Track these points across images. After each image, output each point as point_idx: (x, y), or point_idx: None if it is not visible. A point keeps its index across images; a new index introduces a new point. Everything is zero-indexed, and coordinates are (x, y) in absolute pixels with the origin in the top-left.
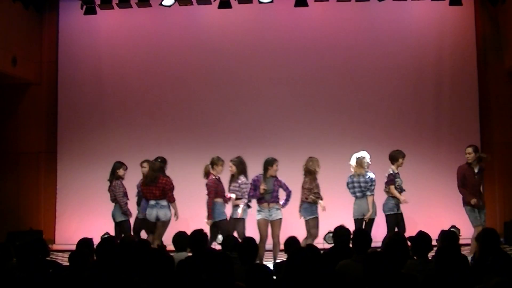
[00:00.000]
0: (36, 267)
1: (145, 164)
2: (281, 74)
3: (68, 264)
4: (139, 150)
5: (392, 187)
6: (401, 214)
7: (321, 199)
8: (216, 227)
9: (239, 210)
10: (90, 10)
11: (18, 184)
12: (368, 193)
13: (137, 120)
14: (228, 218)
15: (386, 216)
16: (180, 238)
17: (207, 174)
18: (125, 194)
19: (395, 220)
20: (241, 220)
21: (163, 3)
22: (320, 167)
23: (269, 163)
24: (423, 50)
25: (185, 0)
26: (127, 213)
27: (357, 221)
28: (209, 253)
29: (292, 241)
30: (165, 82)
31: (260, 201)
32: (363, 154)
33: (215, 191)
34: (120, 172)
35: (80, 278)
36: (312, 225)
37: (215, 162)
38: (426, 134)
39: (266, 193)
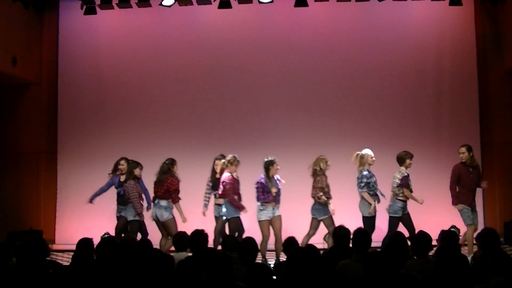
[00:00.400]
0: (36, 267)
1: (122, 162)
2: (281, 74)
3: (68, 264)
4: (139, 150)
5: (406, 190)
6: (407, 215)
7: (331, 198)
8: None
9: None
10: (90, 10)
11: (18, 184)
12: (359, 189)
13: (137, 119)
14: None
15: (390, 217)
16: (180, 238)
17: (221, 172)
18: (140, 195)
19: (398, 223)
20: (221, 218)
21: (163, 3)
22: (329, 166)
23: (270, 163)
24: (423, 50)
25: (185, 0)
26: (140, 214)
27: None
28: (209, 253)
29: (291, 242)
30: (165, 82)
31: (267, 202)
32: (364, 151)
33: (233, 188)
34: (137, 171)
35: (80, 278)
36: (329, 224)
37: (231, 162)
38: (426, 134)
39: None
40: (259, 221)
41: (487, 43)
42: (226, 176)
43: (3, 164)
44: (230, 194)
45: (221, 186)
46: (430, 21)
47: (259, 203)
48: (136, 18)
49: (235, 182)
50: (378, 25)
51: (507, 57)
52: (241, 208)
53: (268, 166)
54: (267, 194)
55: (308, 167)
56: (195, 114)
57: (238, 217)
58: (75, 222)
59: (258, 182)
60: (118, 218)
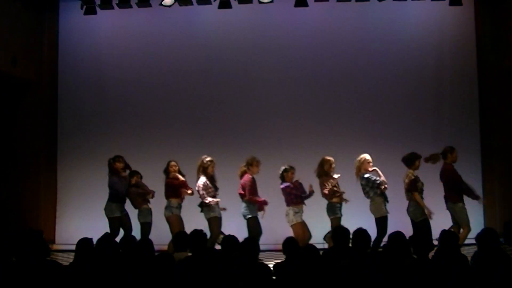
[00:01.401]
0: (36, 267)
1: (121, 160)
2: (281, 74)
3: (68, 264)
4: (139, 150)
5: (416, 193)
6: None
7: (344, 192)
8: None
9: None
10: (90, 10)
11: (18, 184)
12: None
13: (137, 119)
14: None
15: (418, 223)
16: (180, 238)
17: (242, 174)
18: (144, 199)
19: (429, 225)
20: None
21: (163, 3)
22: (333, 168)
23: (284, 171)
24: (423, 50)
25: (185, 0)
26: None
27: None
28: (209, 253)
29: (290, 242)
30: (165, 82)
31: (299, 203)
32: (361, 155)
33: (251, 189)
34: (134, 180)
35: (80, 278)
36: (336, 224)
37: (250, 163)
38: (426, 134)
39: None
40: (296, 224)
41: (487, 43)
42: (246, 177)
43: (3, 164)
44: (249, 195)
45: (241, 187)
46: (430, 21)
47: (291, 207)
48: (136, 18)
49: (254, 183)
50: (378, 25)
51: (507, 57)
52: (263, 203)
53: (283, 174)
54: (299, 197)
55: (314, 171)
56: (195, 114)
57: (256, 217)
58: (75, 222)
59: (293, 184)
60: (124, 217)
